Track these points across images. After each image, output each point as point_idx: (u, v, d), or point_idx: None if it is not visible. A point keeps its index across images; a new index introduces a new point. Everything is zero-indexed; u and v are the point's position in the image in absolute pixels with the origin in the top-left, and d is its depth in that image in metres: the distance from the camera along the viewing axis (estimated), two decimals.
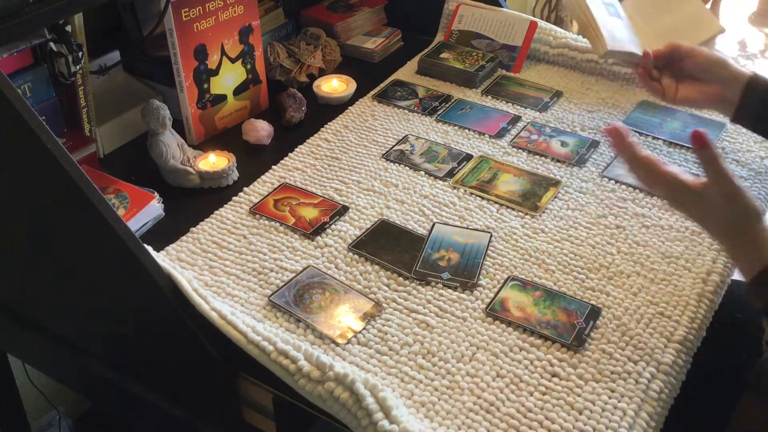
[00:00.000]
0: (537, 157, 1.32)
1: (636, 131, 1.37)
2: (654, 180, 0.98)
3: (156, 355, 1.05)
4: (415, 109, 1.46)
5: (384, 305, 1.03)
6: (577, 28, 1.35)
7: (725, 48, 3.69)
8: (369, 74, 1.57)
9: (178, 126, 1.32)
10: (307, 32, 1.62)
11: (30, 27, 1.01)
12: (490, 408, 0.90)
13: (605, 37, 1.27)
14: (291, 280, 1.06)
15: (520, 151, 1.34)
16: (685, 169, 1.28)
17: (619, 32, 1.31)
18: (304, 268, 1.09)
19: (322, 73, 1.58)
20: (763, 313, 0.91)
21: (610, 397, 0.91)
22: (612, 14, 1.35)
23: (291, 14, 1.66)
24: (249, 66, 1.43)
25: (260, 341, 0.91)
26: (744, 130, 1.38)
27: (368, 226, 1.17)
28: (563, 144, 1.35)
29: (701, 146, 0.92)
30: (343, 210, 1.20)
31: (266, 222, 1.18)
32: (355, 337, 0.98)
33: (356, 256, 1.11)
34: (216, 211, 1.20)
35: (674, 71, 1.23)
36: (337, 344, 0.97)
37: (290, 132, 1.42)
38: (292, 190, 1.24)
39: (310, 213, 1.19)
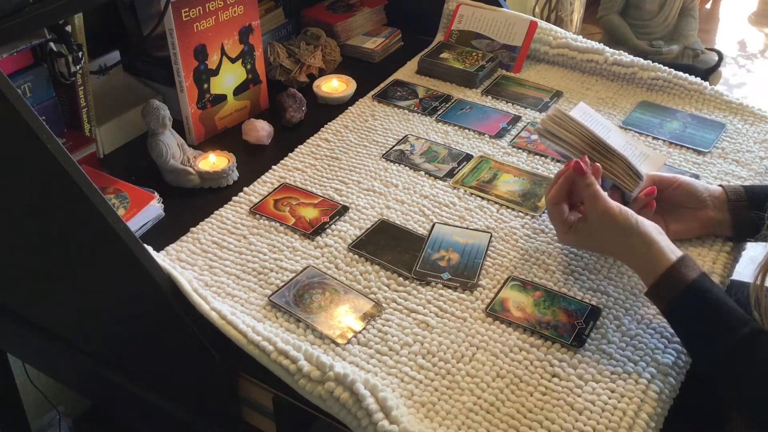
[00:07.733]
0: (537, 157, 1.32)
1: (636, 131, 1.37)
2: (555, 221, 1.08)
3: (156, 355, 1.05)
4: (415, 109, 1.46)
5: (384, 305, 1.03)
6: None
7: (725, 48, 3.68)
8: (369, 74, 1.57)
9: (178, 126, 1.32)
10: (307, 32, 1.62)
11: (30, 27, 1.01)
12: (490, 408, 0.90)
13: (640, 174, 1.10)
14: (291, 280, 1.06)
15: (520, 151, 1.34)
16: (684, 169, 1.28)
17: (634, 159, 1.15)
18: (304, 268, 1.09)
19: (322, 73, 1.58)
20: (664, 314, 0.98)
21: (610, 397, 0.91)
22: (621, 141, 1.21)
23: (291, 14, 1.66)
24: (249, 66, 1.42)
25: (260, 341, 0.91)
26: (744, 130, 1.38)
27: (368, 226, 1.16)
28: None
29: (579, 173, 1.04)
30: (343, 210, 1.20)
31: (266, 222, 1.18)
32: (355, 337, 0.98)
33: (356, 256, 1.11)
34: (216, 211, 1.20)
35: (659, 204, 1.12)
36: (337, 344, 0.97)
37: (290, 132, 1.42)
38: (292, 190, 1.24)
39: (310, 213, 1.19)
